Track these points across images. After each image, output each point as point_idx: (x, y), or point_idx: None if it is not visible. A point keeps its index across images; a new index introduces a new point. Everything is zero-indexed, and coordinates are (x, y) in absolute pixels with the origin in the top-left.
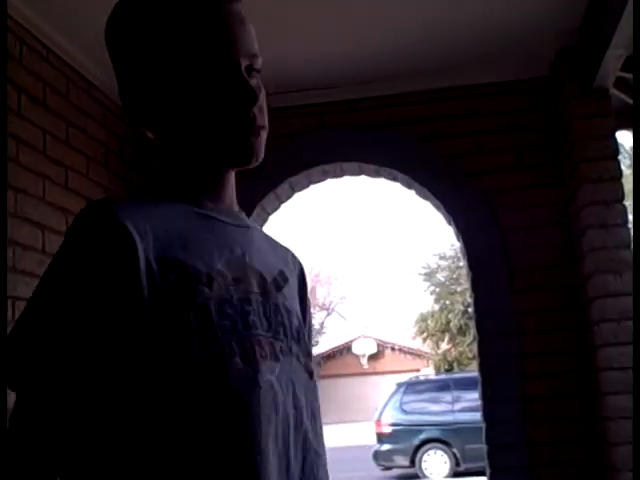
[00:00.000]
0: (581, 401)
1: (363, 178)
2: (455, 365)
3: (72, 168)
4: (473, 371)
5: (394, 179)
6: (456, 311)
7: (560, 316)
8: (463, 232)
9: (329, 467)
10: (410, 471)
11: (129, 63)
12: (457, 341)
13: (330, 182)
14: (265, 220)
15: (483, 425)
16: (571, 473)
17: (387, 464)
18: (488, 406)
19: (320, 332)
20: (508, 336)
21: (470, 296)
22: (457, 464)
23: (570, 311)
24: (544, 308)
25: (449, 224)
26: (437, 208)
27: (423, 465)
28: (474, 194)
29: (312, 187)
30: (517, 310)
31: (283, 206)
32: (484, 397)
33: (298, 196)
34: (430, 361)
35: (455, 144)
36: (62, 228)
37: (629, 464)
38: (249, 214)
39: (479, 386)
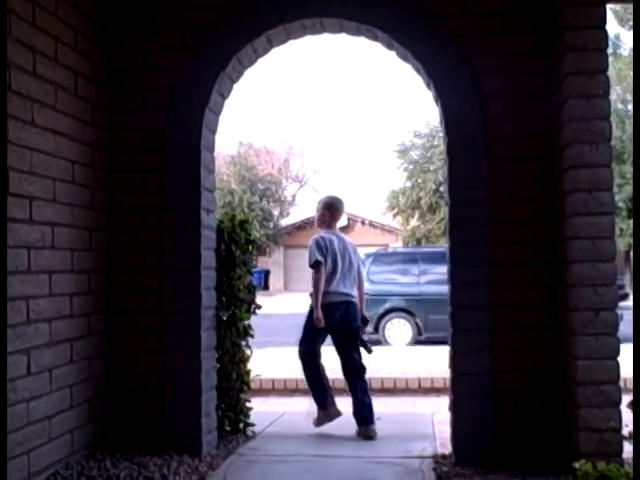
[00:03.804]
0: (546, 268)
1: (343, 37)
2: (423, 241)
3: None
4: (441, 246)
5: (375, 38)
6: (427, 189)
7: (533, 185)
8: (442, 96)
9: (296, 333)
10: (373, 338)
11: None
12: (427, 218)
13: (309, 39)
14: (240, 74)
15: (449, 288)
16: (531, 337)
17: None
18: (455, 270)
19: (292, 204)
20: (479, 202)
21: (445, 161)
22: (419, 333)
23: (543, 181)
24: (518, 177)
25: (428, 87)
26: (417, 71)
27: (386, 333)
28: (456, 57)
29: (291, 43)
30: (490, 177)
31: (260, 61)
32: (452, 261)
33: (276, 54)
34: (399, 236)
35: (440, 4)
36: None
37: (587, 329)
38: (224, 66)
39: (447, 250)
